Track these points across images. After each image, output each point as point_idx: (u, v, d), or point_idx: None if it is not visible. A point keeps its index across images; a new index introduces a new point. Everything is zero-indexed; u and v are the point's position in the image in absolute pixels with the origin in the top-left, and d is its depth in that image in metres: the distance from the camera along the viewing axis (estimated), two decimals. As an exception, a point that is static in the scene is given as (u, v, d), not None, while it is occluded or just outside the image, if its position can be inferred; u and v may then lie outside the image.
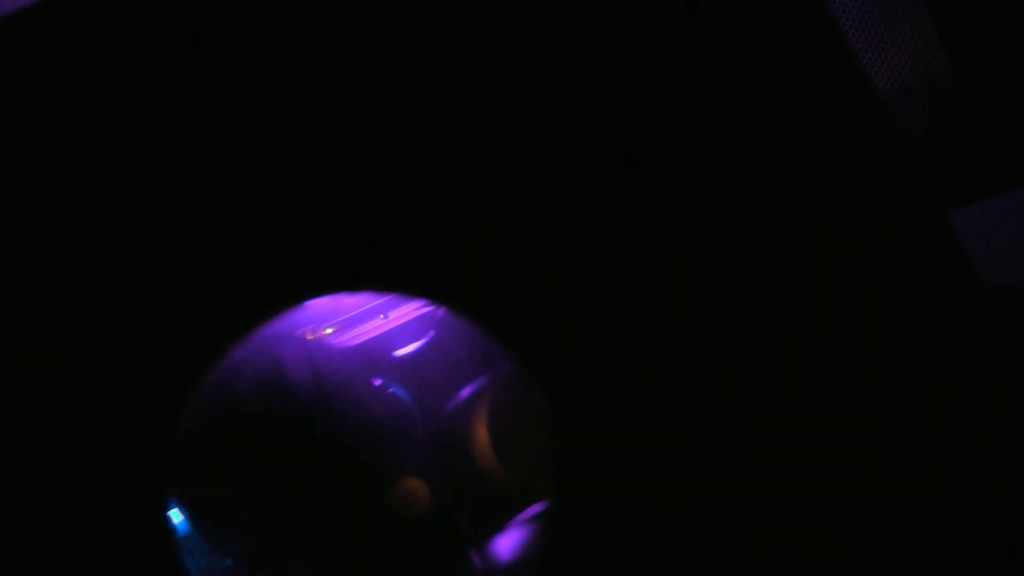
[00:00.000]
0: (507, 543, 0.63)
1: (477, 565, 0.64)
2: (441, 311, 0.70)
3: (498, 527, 0.63)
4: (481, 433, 0.64)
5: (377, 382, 0.68)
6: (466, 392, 0.66)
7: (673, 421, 0.49)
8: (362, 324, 0.72)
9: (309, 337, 0.70)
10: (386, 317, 0.73)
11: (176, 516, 0.63)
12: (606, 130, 0.50)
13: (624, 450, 0.49)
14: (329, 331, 0.72)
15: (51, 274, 0.50)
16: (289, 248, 0.51)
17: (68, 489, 0.50)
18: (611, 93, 0.50)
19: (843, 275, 0.50)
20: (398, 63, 0.51)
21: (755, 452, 0.49)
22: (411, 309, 0.72)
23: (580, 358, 0.50)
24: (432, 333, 0.71)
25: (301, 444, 0.61)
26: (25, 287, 0.50)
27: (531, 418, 0.54)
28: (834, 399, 0.49)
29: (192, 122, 0.51)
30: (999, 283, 0.53)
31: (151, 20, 0.51)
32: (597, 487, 0.50)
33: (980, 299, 0.49)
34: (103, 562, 0.49)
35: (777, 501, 0.49)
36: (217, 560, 0.68)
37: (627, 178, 0.50)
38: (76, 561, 0.49)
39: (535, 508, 0.62)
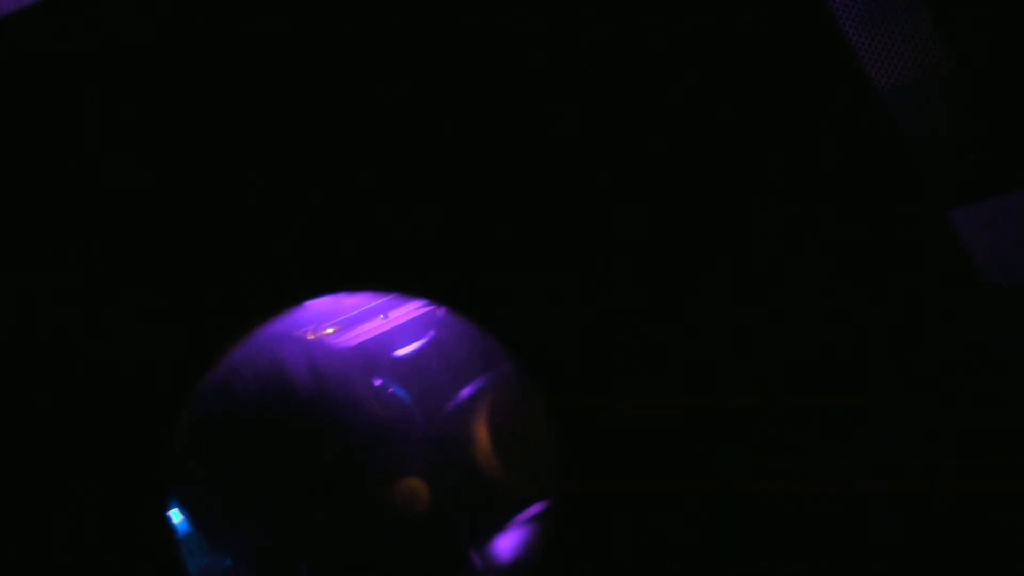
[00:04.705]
0: (507, 543, 0.63)
1: (477, 565, 0.64)
2: (441, 311, 0.70)
3: (498, 527, 0.63)
4: (481, 433, 0.64)
5: (377, 382, 0.68)
6: (466, 392, 0.66)
7: (672, 420, 0.49)
8: (362, 324, 0.73)
9: (309, 337, 0.70)
10: (386, 317, 0.73)
11: (176, 516, 0.63)
12: (605, 130, 0.50)
13: (623, 450, 0.49)
14: (329, 331, 0.72)
15: (51, 274, 0.50)
16: (289, 248, 0.51)
17: (68, 489, 0.50)
18: (608, 93, 0.50)
19: (843, 275, 0.50)
20: (399, 64, 0.51)
21: (755, 451, 0.49)
22: (411, 309, 0.72)
23: (579, 358, 0.50)
24: (432, 333, 0.71)
25: (301, 444, 0.61)
26: (25, 287, 0.50)
27: (531, 418, 0.54)
28: (833, 400, 0.49)
29: (192, 122, 0.51)
30: (999, 283, 0.53)
31: (151, 20, 0.51)
32: (597, 487, 0.50)
33: (980, 299, 0.49)
34: (103, 562, 0.49)
35: (776, 501, 0.49)
36: (217, 560, 0.68)
37: (626, 179, 0.50)
38: (77, 561, 0.49)
39: (535, 508, 0.62)
